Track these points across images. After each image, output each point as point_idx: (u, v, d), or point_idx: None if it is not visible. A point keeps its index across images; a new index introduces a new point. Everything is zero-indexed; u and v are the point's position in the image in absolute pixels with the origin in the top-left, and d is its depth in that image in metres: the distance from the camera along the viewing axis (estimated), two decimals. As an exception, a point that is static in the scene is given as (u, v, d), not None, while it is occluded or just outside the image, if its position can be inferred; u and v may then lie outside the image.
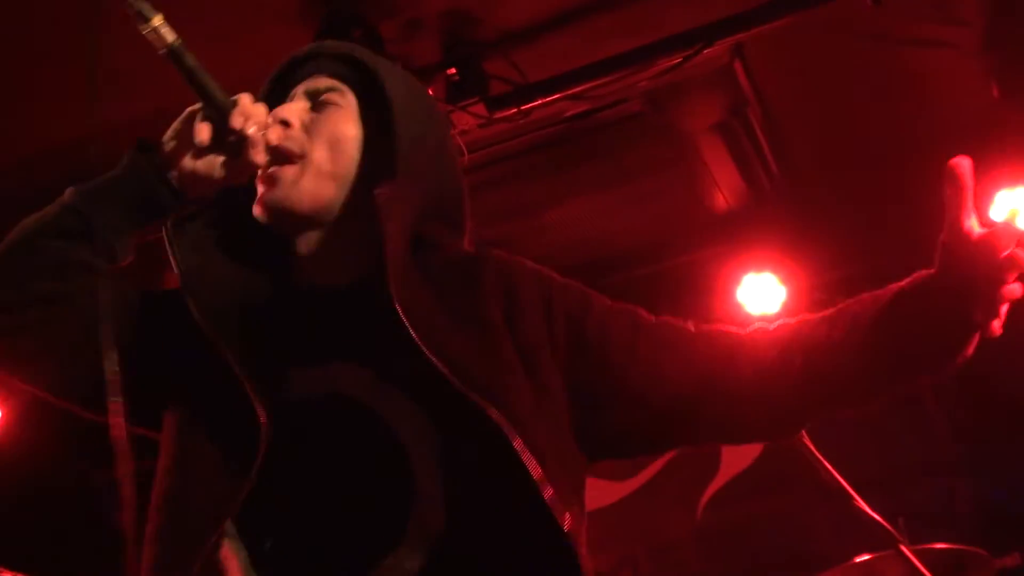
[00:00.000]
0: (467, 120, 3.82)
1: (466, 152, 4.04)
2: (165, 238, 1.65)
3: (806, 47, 4.23)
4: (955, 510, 5.05)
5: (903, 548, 2.89)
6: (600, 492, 5.88)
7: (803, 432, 3.08)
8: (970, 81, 4.52)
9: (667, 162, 4.75)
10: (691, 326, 1.73)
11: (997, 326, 1.58)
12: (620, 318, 1.71)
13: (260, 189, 1.66)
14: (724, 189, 5.08)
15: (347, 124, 1.70)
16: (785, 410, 1.70)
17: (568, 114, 4.21)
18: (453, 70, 3.77)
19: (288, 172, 1.64)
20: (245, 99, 1.59)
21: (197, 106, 1.59)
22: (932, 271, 1.61)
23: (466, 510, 1.51)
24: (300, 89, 1.74)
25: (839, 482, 2.99)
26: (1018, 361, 5.10)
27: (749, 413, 1.69)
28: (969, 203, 1.56)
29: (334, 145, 1.68)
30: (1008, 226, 1.56)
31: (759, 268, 5.15)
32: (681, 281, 5.29)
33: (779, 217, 5.18)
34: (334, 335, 1.65)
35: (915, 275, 1.65)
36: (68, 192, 1.60)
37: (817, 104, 4.70)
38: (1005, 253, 1.54)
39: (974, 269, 1.54)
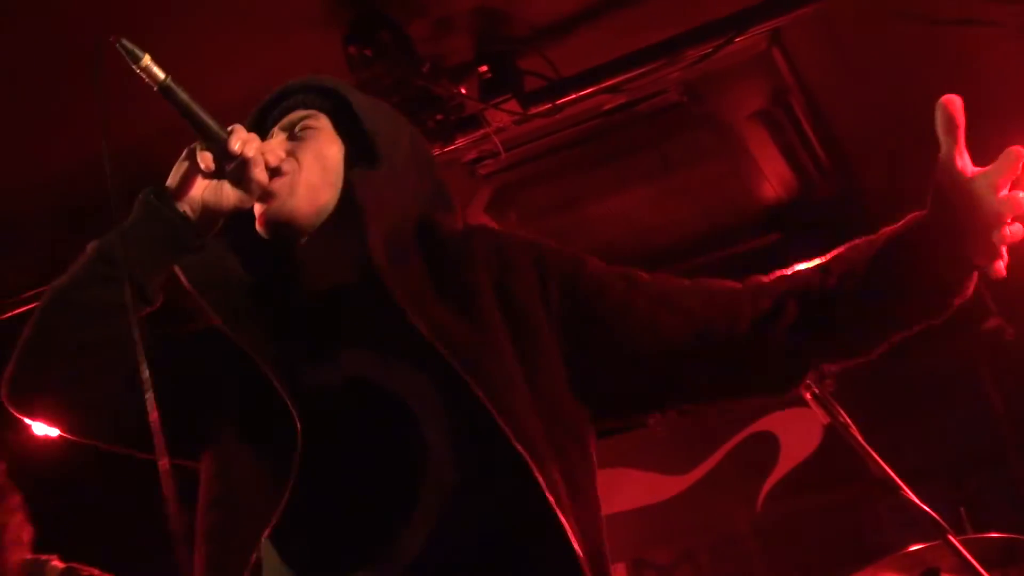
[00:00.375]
0: (502, 118, 3.82)
1: (503, 150, 4.06)
2: (179, 273, 1.76)
3: (845, 30, 4.17)
4: (1016, 498, 4.95)
5: (950, 538, 2.82)
6: (659, 487, 5.86)
7: (850, 422, 3.05)
8: (1017, 60, 4.42)
9: (710, 152, 4.72)
10: (687, 280, 1.78)
11: (1000, 267, 1.57)
12: (615, 276, 1.78)
13: (259, 207, 1.78)
14: (771, 179, 5.02)
15: (327, 141, 1.84)
16: (782, 359, 1.72)
17: (606, 108, 4.18)
18: (485, 68, 3.77)
19: (285, 185, 1.76)
20: (239, 127, 1.70)
21: (193, 144, 1.71)
22: (924, 212, 1.60)
23: (465, 472, 1.62)
24: (275, 129, 1.86)
25: (887, 472, 2.93)
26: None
27: (747, 364, 1.72)
28: (962, 141, 1.54)
29: (320, 160, 1.81)
30: (1004, 165, 1.53)
31: (810, 258, 5.08)
32: (731, 273, 5.23)
33: (830, 206, 5.11)
34: (340, 326, 1.77)
35: (908, 217, 1.65)
36: (91, 246, 1.72)
37: (861, 89, 4.62)
38: (1002, 194, 1.51)
39: (970, 210, 1.54)
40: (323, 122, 1.85)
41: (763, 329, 1.68)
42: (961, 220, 1.55)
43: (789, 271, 1.74)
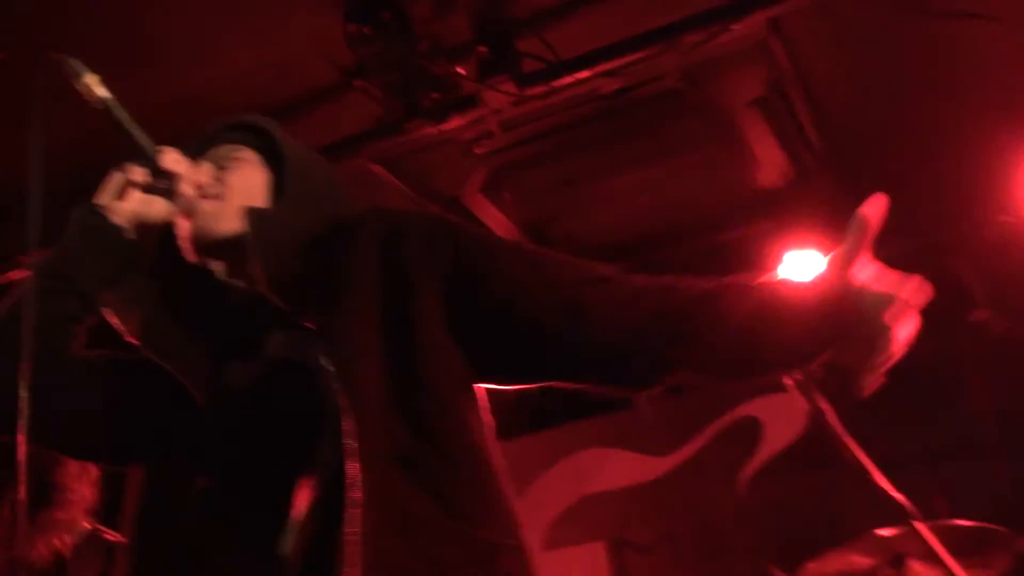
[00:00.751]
0: (499, 99, 3.83)
1: (498, 132, 4.08)
2: (109, 301, 1.89)
3: (844, 21, 4.18)
4: (993, 490, 5.01)
5: (917, 525, 2.88)
6: (644, 468, 5.92)
7: (827, 409, 3.10)
8: (1016, 55, 4.44)
9: (707, 139, 4.73)
10: (600, 268, 1.84)
11: (871, 386, 1.63)
12: (506, 250, 1.87)
13: (184, 225, 1.90)
14: (766, 166, 5.04)
15: (252, 172, 1.98)
16: (646, 361, 1.78)
17: (603, 92, 4.20)
18: (484, 48, 3.78)
19: (211, 206, 1.90)
20: (169, 148, 1.88)
21: (122, 164, 1.87)
22: (823, 287, 1.70)
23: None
24: (202, 160, 1.97)
25: (861, 459, 2.99)
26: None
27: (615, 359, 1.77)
28: (868, 245, 1.59)
29: (245, 190, 1.94)
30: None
31: (803, 245, 5.13)
32: (725, 258, 5.29)
33: (823, 194, 5.14)
34: (256, 331, 1.90)
35: (816, 286, 1.72)
36: (36, 263, 1.84)
37: (859, 79, 4.64)
38: (889, 316, 1.59)
39: (852, 324, 1.64)
40: (250, 155, 1.98)
41: (643, 328, 1.75)
42: (842, 329, 1.65)
43: (687, 282, 1.78)
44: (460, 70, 3.79)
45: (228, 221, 1.88)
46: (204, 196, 1.89)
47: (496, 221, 4.97)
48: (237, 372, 1.85)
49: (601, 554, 5.81)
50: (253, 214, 1.87)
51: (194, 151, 1.99)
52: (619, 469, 5.93)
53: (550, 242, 5.20)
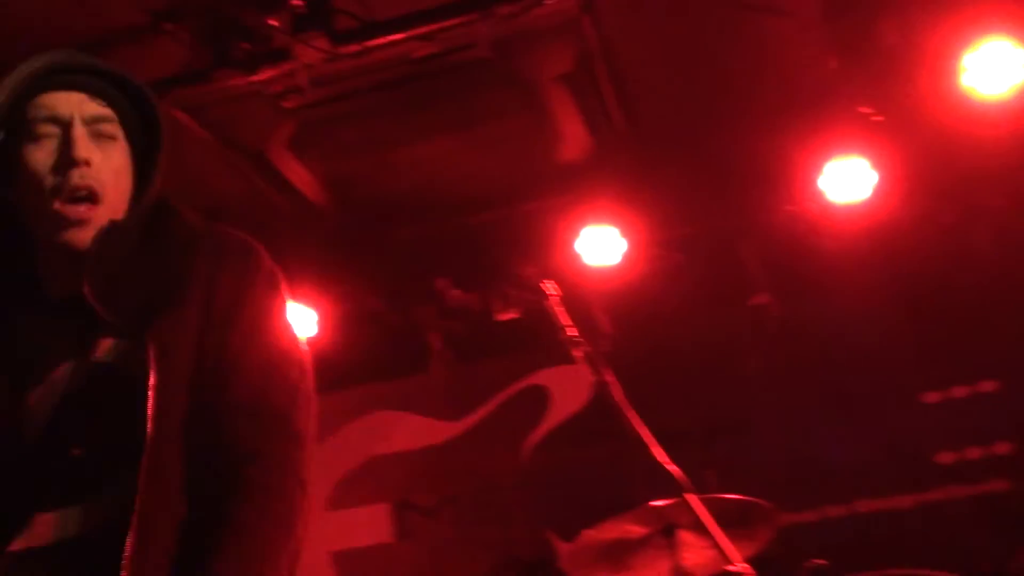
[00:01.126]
0: (311, 54, 3.79)
1: (308, 88, 4.03)
2: None
3: (655, 5, 4.30)
4: (760, 466, 5.28)
5: (688, 497, 3.01)
6: (432, 432, 5.97)
7: (612, 382, 3.20)
8: (809, 50, 4.65)
9: (513, 110, 4.79)
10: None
11: None
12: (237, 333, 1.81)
13: (71, 228, 1.79)
14: (569, 141, 5.14)
15: (123, 157, 1.87)
16: None
17: (416, 55, 4.20)
18: (299, 2, 3.73)
19: (97, 214, 1.80)
20: None
21: None
22: None
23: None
24: (75, 114, 1.83)
25: (641, 432, 3.09)
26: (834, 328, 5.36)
27: None
28: None
29: (118, 180, 1.86)
30: None
31: (601, 221, 5.26)
32: (523, 229, 5.37)
33: (623, 172, 5.27)
34: (82, 327, 1.81)
35: None
36: None
37: (666, 64, 4.78)
38: None
39: None
40: (119, 131, 1.87)
41: None
42: None
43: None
44: (273, 22, 3.73)
45: (92, 231, 1.80)
46: (89, 198, 1.80)
47: (300, 178, 4.91)
48: (61, 372, 1.78)
49: (384, 515, 5.84)
50: (110, 232, 1.80)
51: (21, 88, 1.83)
52: (407, 432, 5.97)
53: (353, 202, 5.18)
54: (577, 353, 3.23)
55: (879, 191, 5.07)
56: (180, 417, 1.69)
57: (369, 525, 5.85)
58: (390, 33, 3.85)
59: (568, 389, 5.81)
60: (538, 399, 5.94)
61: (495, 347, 5.96)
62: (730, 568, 2.92)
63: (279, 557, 1.65)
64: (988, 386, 5.35)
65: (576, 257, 5.27)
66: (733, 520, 3.11)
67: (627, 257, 5.32)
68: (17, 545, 1.67)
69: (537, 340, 5.08)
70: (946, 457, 5.32)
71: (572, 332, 3.23)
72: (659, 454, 3.09)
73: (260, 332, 1.81)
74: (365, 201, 5.19)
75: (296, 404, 1.81)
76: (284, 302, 1.90)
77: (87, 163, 1.80)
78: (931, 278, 5.53)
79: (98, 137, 1.84)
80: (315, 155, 4.76)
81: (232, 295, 1.81)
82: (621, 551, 3.56)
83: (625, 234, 5.28)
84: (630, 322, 5.67)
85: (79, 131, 1.81)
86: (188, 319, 1.76)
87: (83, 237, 1.79)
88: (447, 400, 5.99)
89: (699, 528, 3.07)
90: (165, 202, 1.91)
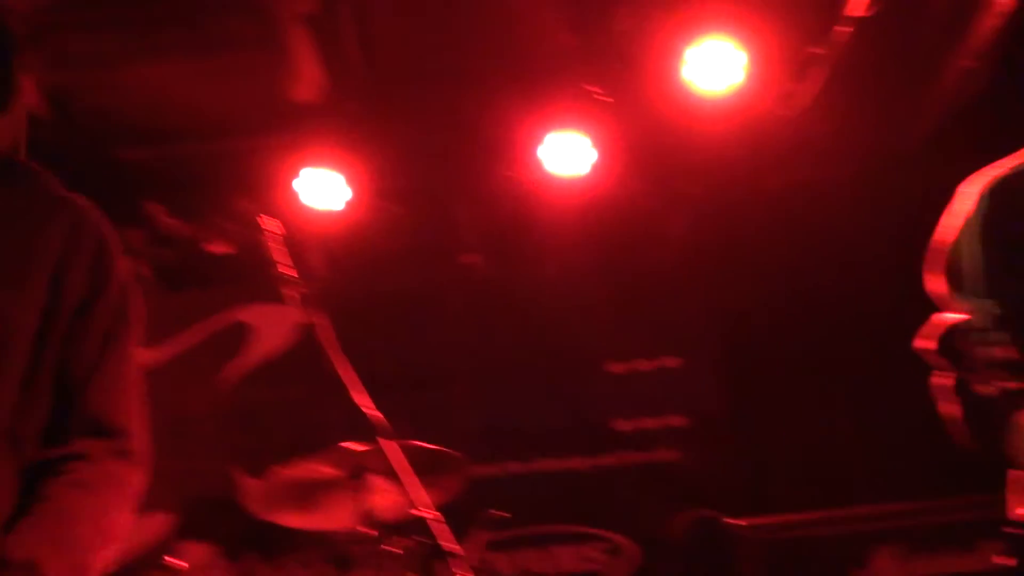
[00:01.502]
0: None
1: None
2: None
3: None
4: (454, 417, 5.48)
5: (381, 442, 3.09)
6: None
7: (321, 324, 3.22)
8: (548, 23, 4.79)
9: (251, 42, 4.70)
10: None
11: None
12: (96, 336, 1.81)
13: None
14: (305, 81, 5.10)
15: None
16: None
17: (155, -28, 4.07)
18: None
19: None
20: None
21: None
22: None
23: None
24: None
25: (344, 376, 3.13)
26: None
27: None
28: None
29: None
30: None
31: (325, 164, 5.27)
32: (248, 164, 5.31)
33: (352, 119, 5.29)
34: None
35: None
36: None
37: (409, 15, 4.82)
38: None
39: None
40: None
41: None
42: None
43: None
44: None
45: None
46: None
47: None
48: None
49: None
50: None
51: None
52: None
53: (71, 115, 4.95)
54: (288, 292, 3.23)
55: (596, 168, 5.31)
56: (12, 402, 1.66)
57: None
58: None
59: (273, 328, 5.79)
60: (241, 334, 5.90)
61: (205, 280, 5.87)
62: (417, 512, 3.00)
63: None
64: (670, 362, 5.73)
65: (297, 198, 5.26)
66: (425, 468, 3.21)
67: (348, 204, 5.36)
68: None
69: (249, 277, 5.06)
70: (624, 425, 5.67)
71: (285, 271, 3.22)
72: (359, 399, 3.15)
73: (110, 359, 1.82)
74: (86, 116, 4.97)
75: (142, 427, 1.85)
76: (139, 321, 1.92)
77: None
78: (630, 258, 5.86)
79: None
80: (40, 62, 4.52)
81: (84, 293, 1.78)
82: (309, 491, 3.61)
83: (349, 181, 5.31)
84: (345, 267, 5.72)
85: None
86: (32, 299, 1.71)
87: None
88: (148, 327, 5.83)
89: (390, 474, 3.15)
90: (17, 160, 1.83)
